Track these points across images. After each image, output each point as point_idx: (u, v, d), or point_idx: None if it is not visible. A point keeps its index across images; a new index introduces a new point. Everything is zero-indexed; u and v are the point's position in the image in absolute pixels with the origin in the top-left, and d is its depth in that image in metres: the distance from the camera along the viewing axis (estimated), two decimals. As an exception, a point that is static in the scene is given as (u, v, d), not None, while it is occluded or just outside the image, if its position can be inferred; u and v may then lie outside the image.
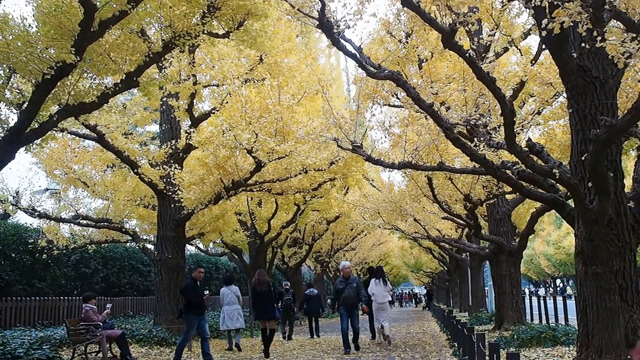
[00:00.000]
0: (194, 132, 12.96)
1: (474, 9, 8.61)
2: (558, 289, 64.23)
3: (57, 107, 7.40)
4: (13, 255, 14.40)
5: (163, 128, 14.73)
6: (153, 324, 13.60)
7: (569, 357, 8.11)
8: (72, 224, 14.93)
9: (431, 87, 8.25)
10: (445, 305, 38.19)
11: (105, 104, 7.85)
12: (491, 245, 14.57)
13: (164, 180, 13.22)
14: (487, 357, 5.83)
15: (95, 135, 12.15)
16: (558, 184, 6.72)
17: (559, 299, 17.82)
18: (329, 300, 32.23)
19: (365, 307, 12.11)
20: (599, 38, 4.71)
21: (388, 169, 9.29)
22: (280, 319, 18.48)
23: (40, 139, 7.55)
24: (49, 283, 15.87)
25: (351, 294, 11.06)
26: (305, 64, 13.06)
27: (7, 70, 6.96)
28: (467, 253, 22.64)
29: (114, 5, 6.54)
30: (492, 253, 14.47)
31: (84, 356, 9.72)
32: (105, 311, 10.73)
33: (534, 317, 18.05)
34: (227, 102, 12.16)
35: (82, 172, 14.94)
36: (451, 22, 6.13)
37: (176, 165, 13.25)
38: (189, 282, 9.99)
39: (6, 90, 7.03)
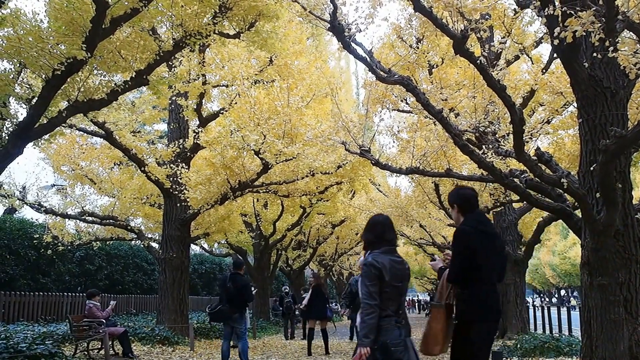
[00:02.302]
0: (202, 131, 12.98)
1: (486, 16, 8.59)
2: (563, 299, 63.87)
3: (67, 103, 7.42)
4: (18, 250, 14.45)
5: (171, 127, 14.77)
6: (156, 323, 13.60)
7: (572, 368, 8.05)
8: (77, 221, 14.97)
9: (441, 93, 8.23)
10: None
11: (114, 102, 7.87)
12: (496, 254, 14.48)
13: (171, 179, 13.24)
14: (489, 366, 5.79)
15: (103, 132, 12.18)
16: (566, 194, 6.67)
17: (561, 309, 17.70)
18: (335, 305, 32.07)
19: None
20: (611, 48, 4.68)
21: (395, 174, 9.24)
22: (283, 321, 18.53)
23: (48, 135, 7.58)
24: (53, 279, 15.91)
25: None
26: (315, 66, 13.07)
27: (18, 65, 7.00)
28: (472, 261, 22.50)
29: (126, 3, 6.56)
30: (497, 261, 14.38)
31: (86, 352, 9.73)
32: (109, 307, 10.74)
33: (537, 327, 17.97)
34: (236, 103, 12.18)
35: (89, 168, 14.99)
36: (463, 28, 6.10)
37: (183, 164, 13.27)
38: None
39: (16, 85, 7.07)
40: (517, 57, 10.53)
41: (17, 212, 17.66)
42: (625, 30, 5.28)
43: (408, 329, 3.94)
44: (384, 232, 4.04)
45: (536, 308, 20.84)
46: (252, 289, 9.81)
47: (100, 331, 9.77)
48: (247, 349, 8.71)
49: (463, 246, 4.14)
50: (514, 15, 9.56)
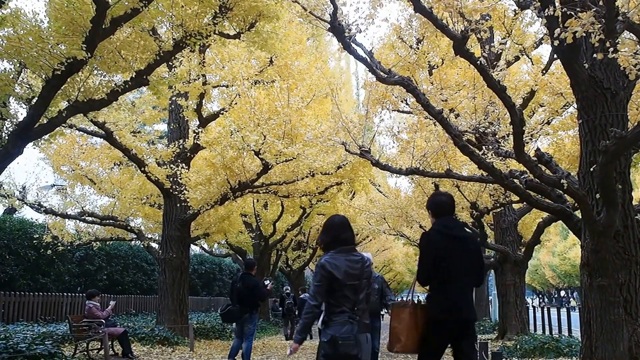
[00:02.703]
0: (202, 132, 12.98)
1: (486, 17, 8.60)
2: (562, 299, 63.87)
3: (67, 103, 7.42)
4: (18, 250, 14.45)
5: (171, 127, 14.77)
6: (156, 323, 13.60)
7: (572, 369, 8.05)
8: (77, 221, 14.96)
9: (441, 94, 8.23)
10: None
11: (115, 102, 7.87)
12: (496, 254, 14.51)
13: (171, 179, 13.24)
14: (489, 367, 5.79)
15: (103, 132, 12.18)
16: (566, 195, 6.67)
17: (560, 310, 17.70)
18: None
19: None
20: (611, 49, 4.68)
21: (395, 175, 9.26)
22: (283, 322, 18.53)
23: (48, 135, 7.57)
24: (53, 279, 15.90)
25: (372, 298, 8.09)
26: (315, 67, 13.07)
27: (18, 65, 6.99)
28: (472, 261, 22.50)
29: (126, 3, 6.57)
30: (497, 262, 14.40)
31: (85, 353, 9.72)
32: (109, 307, 10.74)
33: (537, 327, 17.97)
34: (236, 103, 12.18)
35: (89, 169, 14.99)
36: (463, 29, 6.11)
37: (183, 164, 13.27)
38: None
39: (16, 84, 7.07)
40: (517, 58, 10.53)
41: (17, 212, 17.65)
42: (626, 31, 5.28)
43: (364, 326, 4.11)
44: (339, 233, 4.17)
45: (535, 309, 20.84)
46: (268, 282, 9.82)
47: (100, 331, 9.76)
48: (251, 349, 8.73)
49: (425, 249, 4.39)
50: (514, 16, 9.56)
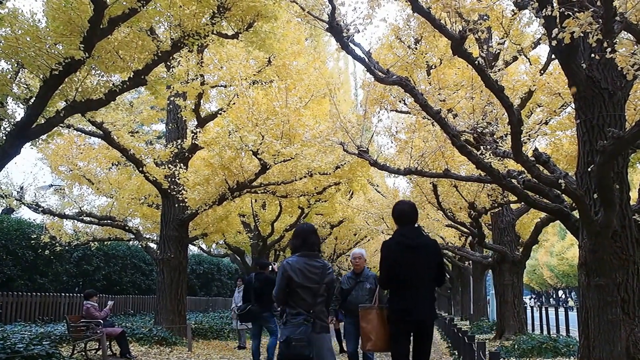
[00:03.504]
0: (200, 132, 12.97)
1: (484, 17, 8.60)
2: (560, 300, 63.96)
3: (64, 103, 7.41)
4: (16, 250, 14.43)
5: (169, 127, 14.76)
6: (154, 323, 13.59)
7: (570, 369, 8.06)
8: (75, 221, 14.95)
9: (439, 94, 8.23)
10: (446, 313, 38.05)
11: (112, 102, 7.86)
12: (494, 254, 14.51)
13: (169, 179, 13.23)
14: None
15: (101, 132, 12.17)
16: (563, 195, 6.68)
17: (558, 310, 17.73)
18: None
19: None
20: (609, 49, 4.69)
21: (393, 175, 9.27)
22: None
23: (46, 135, 7.57)
24: (51, 279, 15.88)
25: (362, 298, 7.24)
26: (313, 67, 13.07)
27: (15, 65, 6.98)
28: (470, 261, 22.57)
29: (124, 3, 6.56)
30: (495, 262, 14.41)
31: (83, 353, 9.71)
32: (107, 307, 10.72)
33: (535, 327, 17.98)
34: (234, 103, 12.17)
35: (87, 169, 14.97)
36: (461, 29, 6.11)
37: (181, 164, 13.26)
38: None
39: (14, 84, 7.06)
40: (515, 58, 10.53)
41: (14, 212, 17.64)
42: (623, 31, 5.29)
43: (321, 327, 4.46)
44: (305, 238, 4.59)
45: (533, 309, 20.87)
46: (275, 265, 9.84)
47: (98, 332, 9.75)
48: (275, 344, 8.76)
49: (383, 257, 4.88)
50: (512, 16, 9.56)
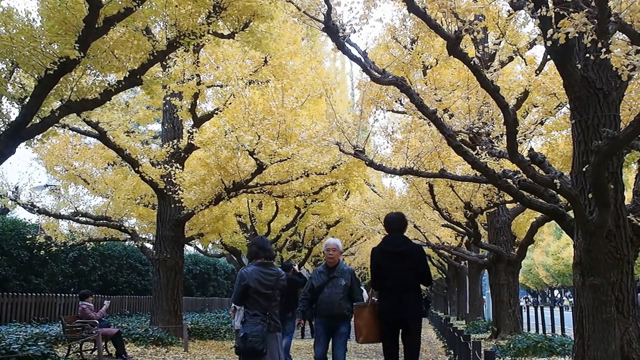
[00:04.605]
0: (196, 132, 12.95)
1: (480, 17, 8.63)
2: (555, 299, 64.11)
3: (59, 103, 7.39)
4: (11, 250, 14.39)
5: (165, 127, 14.73)
6: (150, 324, 13.57)
7: (565, 368, 8.08)
8: (71, 221, 14.90)
9: (435, 94, 8.25)
10: (442, 312, 38.11)
11: (108, 102, 7.84)
12: (490, 254, 14.54)
13: (165, 179, 13.21)
14: (482, 366, 5.82)
15: (96, 132, 12.13)
16: (558, 195, 6.69)
17: (552, 309, 17.77)
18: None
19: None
20: (603, 50, 4.70)
21: (389, 175, 9.28)
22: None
23: (41, 135, 7.54)
24: (46, 280, 15.85)
25: (336, 297, 6.37)
26: (309, 67, 13.06)
27: (10, 65, 6.96)
28: (466, 261, 22.62)
29: (119, 2, 6.54)
30: (490, 262, 14.44)
31: (79, 354, 9.69)
32: (103, 307, 10.70)
33: (530, 326, 18.04)
34: (230, 103, 12.15)
35: (82, 169, 14.92)
36: (457, 29, 6.12)
37: (177, 164, 13.24)
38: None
39: (8, 84, 7.03)
40: (511, 59, 10.56)
41: (9, 212, 17.57)
42: (618, 31, 5.30)
43: (274, 326, 5.13)
44: (260, 248, 5.23)
45: (529, 308, 20.92)
46: (295, 266, 9.91)
47: (94, 332, 9.73)
48: (290, 345, 9.10)
49: (371, 262, 5.69)
50: (508, 16, 9.58)
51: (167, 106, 14.41)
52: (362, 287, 14.71)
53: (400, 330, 5.60)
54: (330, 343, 6.52)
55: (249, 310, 5.04)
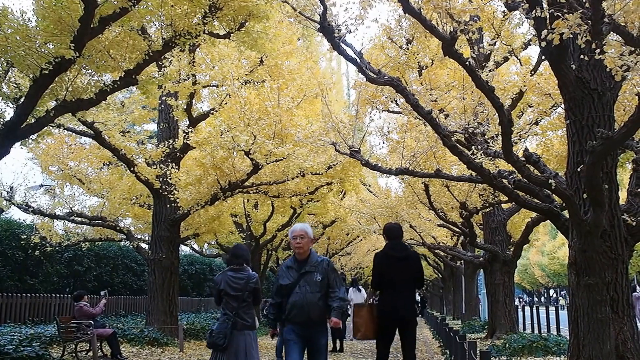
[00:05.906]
0: (191, 132, 12.93)
1: (475, 18, 8.65)
2: (551, 298, 64.29)
3: (55, 102, 7.37)
4: (5, 251, 14.34)
5: (161, 127, 14.70)
6: (145, 324, 13.54)
7: (560, 368, 8.10)
8: (66, 221, 14.86)
9: (430, 94, 8.26)
10: (438, 312, 38.17)
11: (103, 101, 7.83)
12: (486, 254, 14.57)
13: (160, 179, 13.18)
14: (478, 366, 5.84)
15: (92, 132, 12.09)
16: (553, 195, 6.72)
17: (550, 309, 17.81)
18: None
19: (337, 321, 5.04)
20: (597, 50, 4.72)
21: (385, 175, 9.30)
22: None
23: (36, 135, 7.53)
24: (41, 280, 15.79)
25: (312, 297, 5.07)
26: (305, 67, 13.06)
27: (5, 64, 6.93)
28: (462, 261, 22.66)
29: (115, 2, 6.53)
30: (486, 261, 14.47)
31: (74, 354, 9.66)
32: (102, 302, 10.66)
33: (526, 326, 18.08)
34: (226, 103, 12.14)
35: (77, 169, 14.87)
36: (452, 30, 6.13)
37: (173, 164, 13.21)
38: None
39: (3, 84, 7.01)
40: (506, 59, 10.58)
41: (4, 212, 17.50)
42: (612, 32, 5.33)
43: (243, 325, 5.51)
44: (231, 257, 5.76)
45: (525, 308, 20.97)
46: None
47: (89, 332, 9.70)
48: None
49: (374, 264, 6.30)
50: (503, 17, 9.61)
51: (162, 106, 14.39)
52: (360, 287, 14.74)
53: (398, 328, 6.15)
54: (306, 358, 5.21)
55: (222, 310, 5.59)
